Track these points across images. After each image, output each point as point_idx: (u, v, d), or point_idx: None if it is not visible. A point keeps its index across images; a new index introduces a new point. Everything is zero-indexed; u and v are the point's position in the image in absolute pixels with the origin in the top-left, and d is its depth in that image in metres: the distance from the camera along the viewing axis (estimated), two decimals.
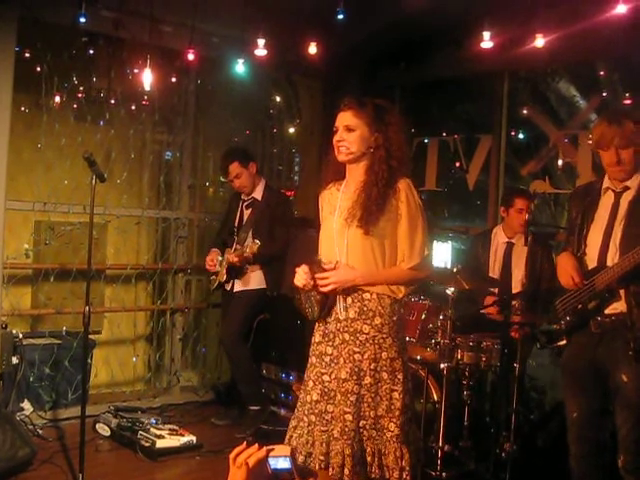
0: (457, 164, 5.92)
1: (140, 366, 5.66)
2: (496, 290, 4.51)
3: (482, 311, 4.41)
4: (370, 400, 2.78)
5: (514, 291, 4.44)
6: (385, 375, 2.79)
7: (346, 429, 2.74)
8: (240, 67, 5.03)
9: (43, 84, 4.82)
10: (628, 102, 5.05)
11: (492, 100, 5.55)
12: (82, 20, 4.31)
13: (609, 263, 3.01)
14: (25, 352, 4.61)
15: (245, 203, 5.02)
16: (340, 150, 2.86)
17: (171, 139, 5.78)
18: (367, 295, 2.82)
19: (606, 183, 3.14)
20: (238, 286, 4.91)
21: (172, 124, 5.71)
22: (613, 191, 3.10)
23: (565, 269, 3.13)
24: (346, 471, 2.70)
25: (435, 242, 5.37)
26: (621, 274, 2.92)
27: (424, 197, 5.95)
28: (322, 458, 2.74)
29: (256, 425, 4.74)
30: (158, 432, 4.36)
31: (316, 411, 2.81)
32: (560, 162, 5.40)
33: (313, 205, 3.08)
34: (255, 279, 4.89)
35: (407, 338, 4.08)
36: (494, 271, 4.58)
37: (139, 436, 4.34)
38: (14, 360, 4.54)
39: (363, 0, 4.71)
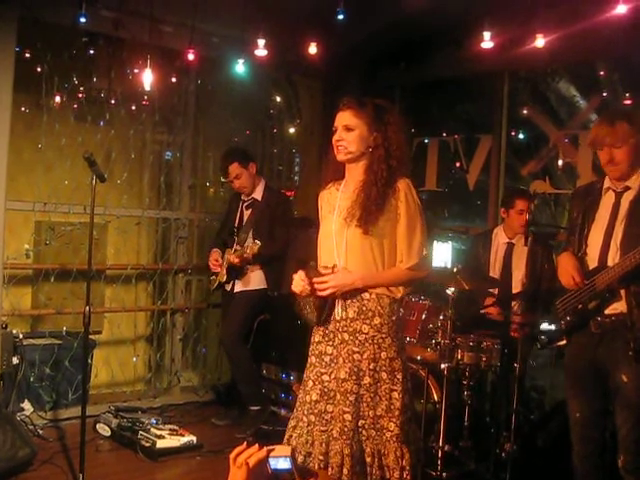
0: (457, 164, 5.92)
1: (140, 366, 5.66)
2: (496, 290, 4.51)
3: (482, 311, 4.41)
4: (369, 400, 2.78)
5: (514, 291, 4.44)
6: (384, 375, 2.79)
7: (345, 429, 2.74)
8: (240, 67, 5.03)
9: (43, 84, 4.82)
10: (628, 102, 5.05)
11: (492, 100, 5.55)
12: (82, 20, 4.31)
13: (610, 263, 3.01)
14: (25, 352, 4.61)
15: (245, 203, 5.02)
16: (339, 150, 2.86)
17: (171, 139, 5.78)
18: (366, 295, 2.82)
19: (607, 183, 3.14)
20: (238, 286, 4.91)
21: (172, 124, 5.71)
22: (614, 191, 3.10)
23: (566, 269, 3.13)
24: (345, 471, 2.70)
25: (435, 242, 5.37)
26: (622, 274, 2.92)
27: (424, 197, 5.95)
28: (321, 458, 2.74)
29: (256, 425, 4.74)
30: (158, 432, 4.36)
31: (315, 411, 2.81)
32: (560, 162, 5.40)
33: (313, 205, 3.08)
34: (255, 279, 4.89)
35: (407, 338, 4.12)
36: (494, 271, 4.58)
37: (139, 436, 4.34)
38: (14, 360, 4.54)
39: (363, 0, 4.71)
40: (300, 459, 2.74)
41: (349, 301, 2.83)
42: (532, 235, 4.40)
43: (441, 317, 4.10)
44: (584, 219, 3.16)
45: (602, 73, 5.25)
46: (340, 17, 4.28)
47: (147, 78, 4.68)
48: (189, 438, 4.39)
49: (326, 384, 2.83)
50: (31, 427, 4.41)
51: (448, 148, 5.95)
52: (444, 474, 3.85)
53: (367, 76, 5.95)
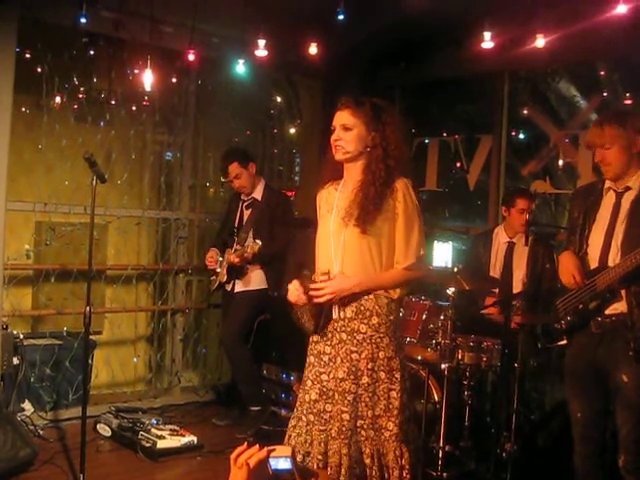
0: (458, 164, 5.92)
1: (141, 367, 5.66)
2: (497, 290, 4.51)
3: (483, 311, 4.41)
4: (368, 400, 2.77)
5: (515, 291, 4.43)
6: (383, 374, 2.79)
7: (343, 428, 2.74)
8: (240, 67, 5.04)
9: (44, 85, 4.83)
10: (628, 102, 5.05)
11: (492, 100, 5.56)
12: (82, 21, 4.32)
13: (610, 263, 3.01)
14: (26, 353, 4.61)
15: (245, 203, 5.03)
16: (337, 149, 2.85)
17: (171, 139, 5.79)
18: (364, 295, 2.82)
19: (608, 183, 3.14)
20: (239, 286, 4.91)
21: (172, 125, 5.71)
22: (615, 191, 3.10)
23: (567, 268, 3.13)
24: (343, 471, 2.70)
25: (436, 242, 5.37)
26: (622, 274, 2.92)
27: (425, 197, 5.96)
28: (320, 457, 2.74)
29: (257, 425, 4.74)
30: (159, 432, 4.35)
31: (314, 410, 2.81)
32: (561, 162, 5.40)
33: (313, 205, 3.08)
34: (256, 279, 4.89)
35: (408, 338, 4.12)
36: (495, 271, 4.58)
37: (140, 436, 4.34)
38: (15, 361, 4.54)
39: (363, 0, 4.71)
40: (299, 458, 2.74)
41: (347, 301, 2.82)
42: (533, 235, 4.40)
43: (442, 317, 4.10)
44: (585, 219, 3.17)
45: (602, 73, 5.24)
46: (340, 17, 4.29)
47: (147, 78, 4.68)
48: (190, 438, 4.39)
49: (325, 384, 2.82)
50: (32, 427, 4.41)
51: (448, 148, 5.95)
52: (444, 474, 3.85)
53: (367, 76, 5.95)
